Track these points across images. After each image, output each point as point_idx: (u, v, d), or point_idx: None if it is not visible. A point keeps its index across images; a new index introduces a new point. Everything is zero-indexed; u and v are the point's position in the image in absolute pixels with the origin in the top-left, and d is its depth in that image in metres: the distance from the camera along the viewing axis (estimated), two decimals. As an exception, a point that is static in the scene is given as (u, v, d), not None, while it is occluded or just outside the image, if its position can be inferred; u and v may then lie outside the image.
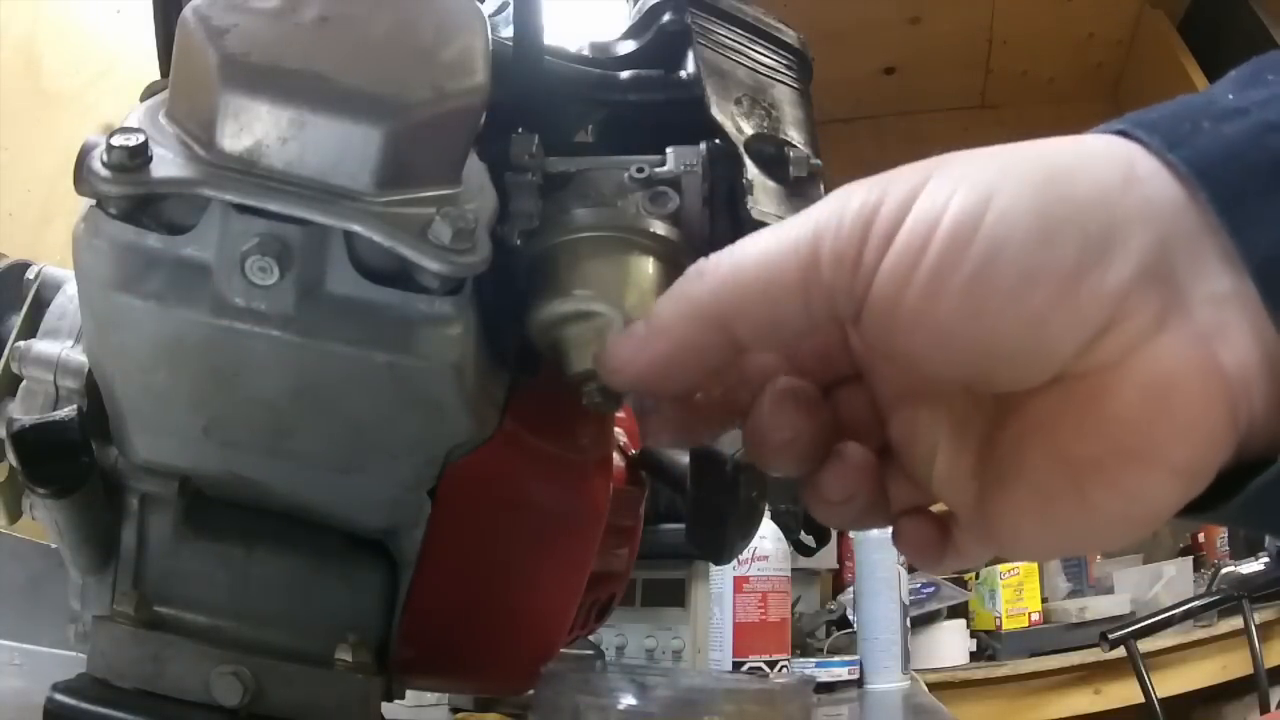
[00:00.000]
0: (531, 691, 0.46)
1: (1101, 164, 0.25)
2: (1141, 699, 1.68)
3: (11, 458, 0.36)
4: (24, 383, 0.43)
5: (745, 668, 1.08)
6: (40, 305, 0.45)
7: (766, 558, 1.12)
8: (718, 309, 0.28)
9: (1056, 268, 0.24)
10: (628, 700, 0.33)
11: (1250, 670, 1.66)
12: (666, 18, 0.43)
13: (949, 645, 1.87)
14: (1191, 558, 2.04)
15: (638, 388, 0.32)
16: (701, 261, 0.29)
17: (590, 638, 0.70)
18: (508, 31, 0.39)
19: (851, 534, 1.58)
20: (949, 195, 0.25)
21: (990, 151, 0.26)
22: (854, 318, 0.27)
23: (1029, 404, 0.26)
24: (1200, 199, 0.24)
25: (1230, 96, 0.25)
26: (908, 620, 1.38)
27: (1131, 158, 0.25)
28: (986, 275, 0.24)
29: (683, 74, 0.41)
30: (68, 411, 0.37)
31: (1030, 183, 0.24)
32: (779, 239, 0.28)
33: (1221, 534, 2.02)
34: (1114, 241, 0.24)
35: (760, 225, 0.37)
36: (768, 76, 0.43)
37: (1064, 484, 0.25)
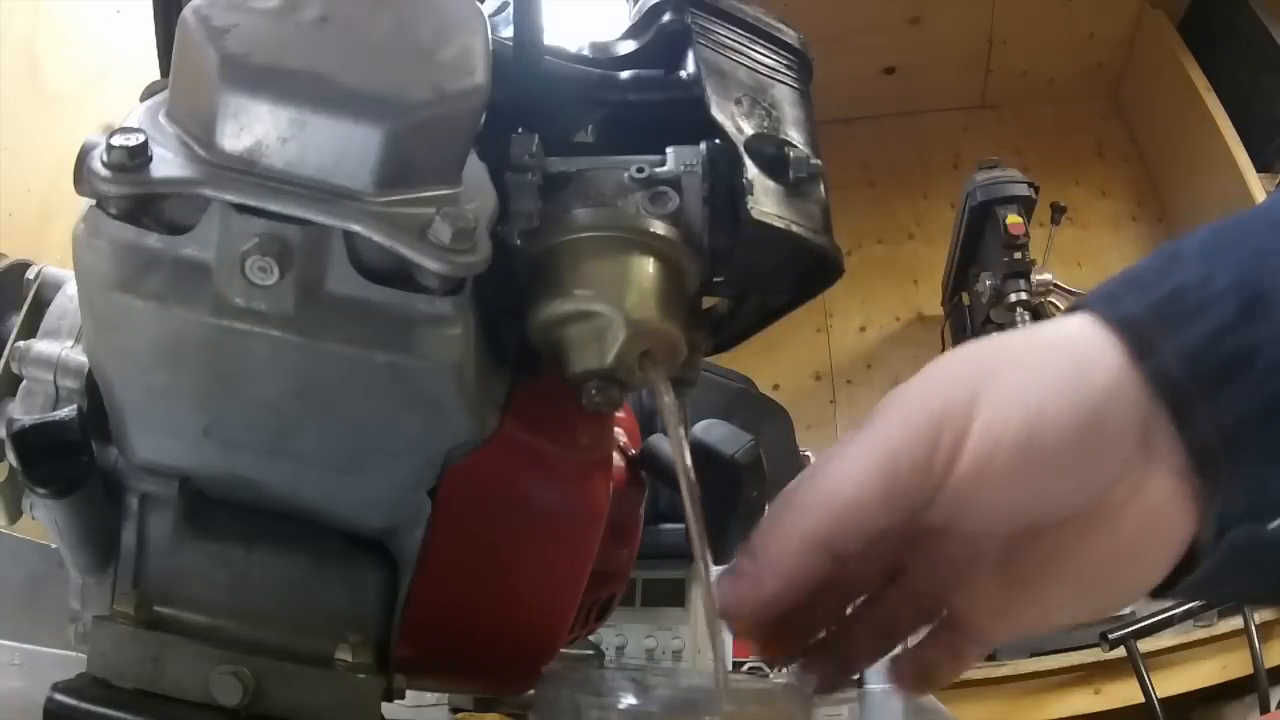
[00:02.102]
0: (531, 691, 0.46)
1: (1102, 369, 0.32)
2: (1141, 699, 1.68)
3: (11, 458, 0.36)
4: (24, 383, 0.43)
5: (745, 668, 1.08)
6: (40, 305, 0.45)
7: (766, 558, 1.11)
8: (824, 536, 0.34)
9: (1089, 456, 0.32)
10: (628, 700, 0.33)
11: (1250, 670, 1.66)
12: (666, 18, 0.42)
13: (949, 645, 1.87)
14: (1191, 558, 2.03)
15: (754, 624, 0.36)
16: (790, 495, 0.35)
17: (590, 638, 0.70)
18: (508, 31, 0.39)
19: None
20: (1004, 418, 0.33)
21: (1015, 357, 0.34)
22: (926, 506, 0.34)
23: (1052, 533, 0.34)
24: (1160, 403, 0.32)
25: (1198, 277, 0.32)
26: (908, 620, 1.37)
27: (1120, 363, 0.32)
28: (1044, 467, 0.32)
29: (683, 74, 0.41)
30: (68, 411, 0.37)
31: (1064, 395, 0.32)
32: (857, 465, 0.34)
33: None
34: (1122, 429, 0.32)
35: (760, 225, 0.37)
36: (768, 76, 0.42)
37: (1087, 581, 0.35)
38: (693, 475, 0.37)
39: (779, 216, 0.38)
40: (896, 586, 0.40)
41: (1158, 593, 0.35)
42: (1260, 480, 0.32)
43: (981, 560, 0.37)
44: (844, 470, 0.34)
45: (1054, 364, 0.33)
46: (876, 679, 1.35)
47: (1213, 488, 0.32)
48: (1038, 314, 2.16)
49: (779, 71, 0.43)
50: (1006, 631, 0.38)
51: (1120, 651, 1.71)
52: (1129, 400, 0.32)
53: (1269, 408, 0.31)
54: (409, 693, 0.44)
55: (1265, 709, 1.65)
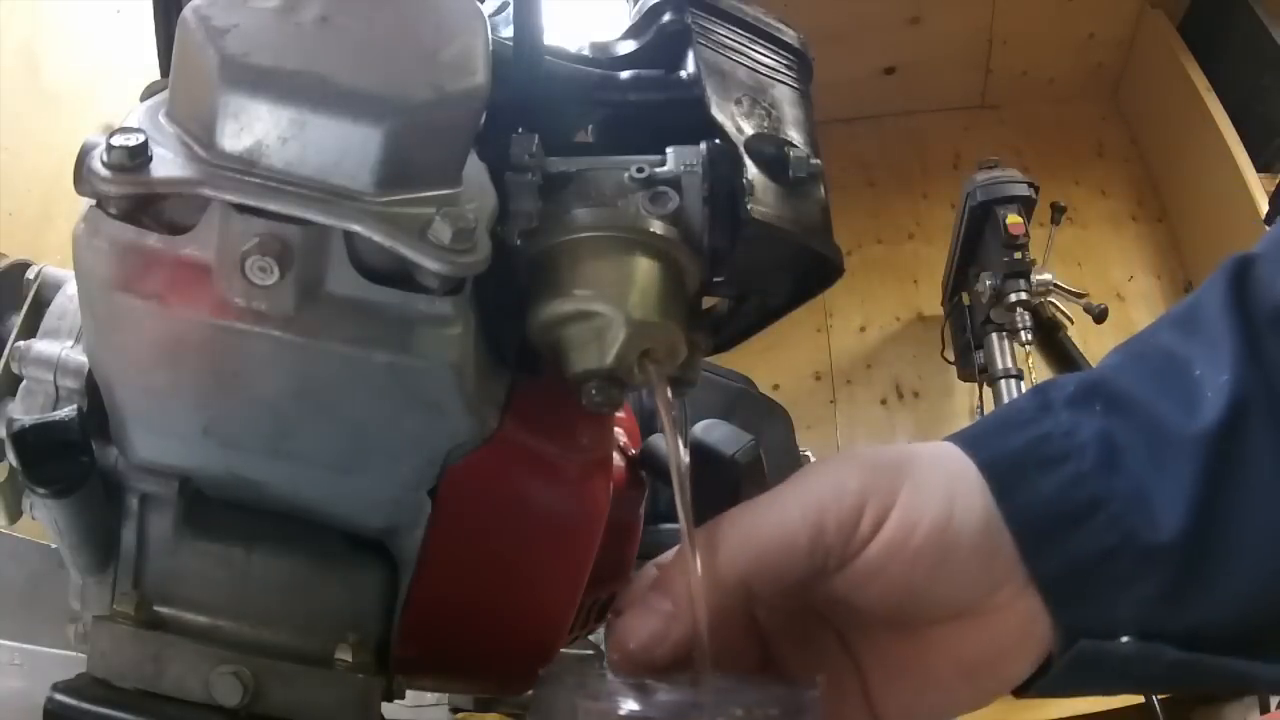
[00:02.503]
0: (530, 692, 0.46)
1: (983, 495, 0.36)
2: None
3: (11, 458, 0.36)
4: (24, 383, 0.43)
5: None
6: (40, 305, 0.45)
7: (766, 558, 1.11)
8: (747, 575, 0.36)
9: (987, 554, 0.36)
10: (628, 705, 0.33)
11: (1250, 670, 1.66)
12: (666, 18, 0.42)
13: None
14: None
15: (646, 668, 0.36)
16: (712, 535, 0.36)
17: (590, 638, 0.70)
18: (508, 31, 0.39)
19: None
20: (924, 502, 0.36)
21: (929, 458, 0.37)
22: (838, 570, 0.36)
23: (936, 628, 0.38)
24: (1016, 539, 0.36)
25: (1065, 427, 0.37)
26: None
27: (989, 498, 0.36)
28: (949, 558, 0.36)
29: (683, 74, 0.41)
30: (68, 411, 0.37)
31: (973, 497, 0.36)
32: (788, 514, 0.36)
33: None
34: (1008, 540, 0.36)
35: (760, 225, 0.37)
36: (768, 76, 0.42)
37: (957, 678, 0.38)
38: (688, 476, 0.37)
39: (779, 216, 0.38)
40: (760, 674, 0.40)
41: (1016, 692, 0.39)
42: (1102, 606, 0.36)
43: (857, 653, 0.39)
44: (774, 517, 0.36)
45: (962, 473, 0.37)
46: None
47: (1062, 609, 0.36)
48: (1038, 314, 2.17)
49: (779, 71, 0.43)
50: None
51: (1120, 651, 1.71)
52: (1005, 526, 0.36)
53: (1112, 548, 0.35)
54: (409, 693, 0.44)
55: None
